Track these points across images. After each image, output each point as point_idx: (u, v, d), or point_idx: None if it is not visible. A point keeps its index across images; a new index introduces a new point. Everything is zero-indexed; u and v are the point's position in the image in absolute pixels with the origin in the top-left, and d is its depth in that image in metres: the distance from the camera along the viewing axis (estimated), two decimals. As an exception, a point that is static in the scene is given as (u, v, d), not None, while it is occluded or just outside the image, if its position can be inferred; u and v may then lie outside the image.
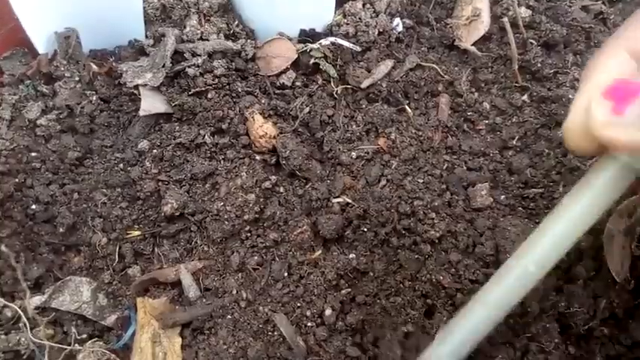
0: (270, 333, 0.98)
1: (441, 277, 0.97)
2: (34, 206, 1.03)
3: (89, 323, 0.97)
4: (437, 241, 1.00)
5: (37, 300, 0.94)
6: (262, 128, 1.10)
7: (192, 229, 1.07)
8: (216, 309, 0.98)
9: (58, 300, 0.96)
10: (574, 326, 0.97)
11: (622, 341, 0.97)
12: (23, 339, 0.90)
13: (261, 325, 0.98)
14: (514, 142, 1.16)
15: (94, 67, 1.15)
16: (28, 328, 0.89)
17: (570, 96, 1.16)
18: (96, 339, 0.95)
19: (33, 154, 1.07)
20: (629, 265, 1.00)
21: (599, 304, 0.98)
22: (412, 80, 1.20)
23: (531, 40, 1.22)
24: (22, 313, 0.91)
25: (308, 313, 1.00)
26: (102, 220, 1.05)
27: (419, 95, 1.20)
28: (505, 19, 1.22)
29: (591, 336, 0.98)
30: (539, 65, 1.20)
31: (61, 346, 0.89)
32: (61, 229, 1.03)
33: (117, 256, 1.04)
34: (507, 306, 0.71)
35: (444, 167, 1.13)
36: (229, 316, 0.98)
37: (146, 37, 1.19)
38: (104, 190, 1.07)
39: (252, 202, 1.05)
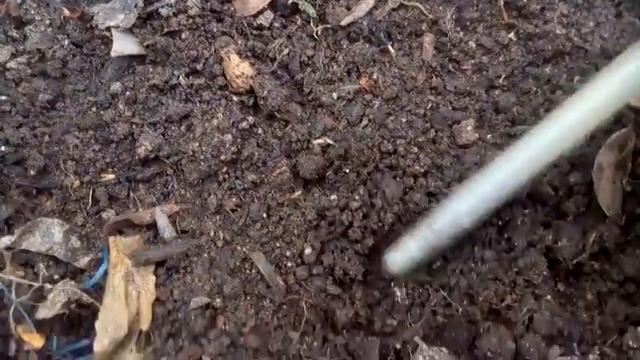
0: (247, 271, 0.95)
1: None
2: (3, 148, 1.00)
3: (61, 265, 0.95)
4: (421, 175, 0.97)
5: (6, 240, 0.92)
6: (239, 68, 1.07)
7: (168, 172, 1.04)
8: (191, 248, 0.95)
9: (29, 241, 0.93)
10: (562, 261, 0.94)
11: (613, 277, 0.93)
12: (-9, 279, 0.88)
13: (238, 264, 0.95)
14: (500, 81, 1.12)
15: (66, 11, 1.12)
16: (-6, 266, 0.86)
17: (558, 31, 1.11)
18: (68, 279, 0.92)
19: (3, 97, 1.04)
20: (621, 200, 0.96)
21: (588, 238, 0.94)
22: (395, 20, 1.16)
23: (517, -24, 1.18)
24: (-11, 253, 0.88)
25: (287, 253, 0.97)
26: (74, 162, 1.02)
27: (402, 35, 1.16)
28: (490, -45, 1.18)
29: (581, 272, 0.94)
30: (525, 1, 1.15)
31: (30, 282, 0.86)
32: (31, 172, 1.00)
33: (90, 200, 1.01)
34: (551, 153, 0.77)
35: (428, 107, 1.09)
36: (205, 255, 0.95)
37: (118, -22, 1.15)
38: (76, 132, 1.04)
39: (229, 142, 1.02)
